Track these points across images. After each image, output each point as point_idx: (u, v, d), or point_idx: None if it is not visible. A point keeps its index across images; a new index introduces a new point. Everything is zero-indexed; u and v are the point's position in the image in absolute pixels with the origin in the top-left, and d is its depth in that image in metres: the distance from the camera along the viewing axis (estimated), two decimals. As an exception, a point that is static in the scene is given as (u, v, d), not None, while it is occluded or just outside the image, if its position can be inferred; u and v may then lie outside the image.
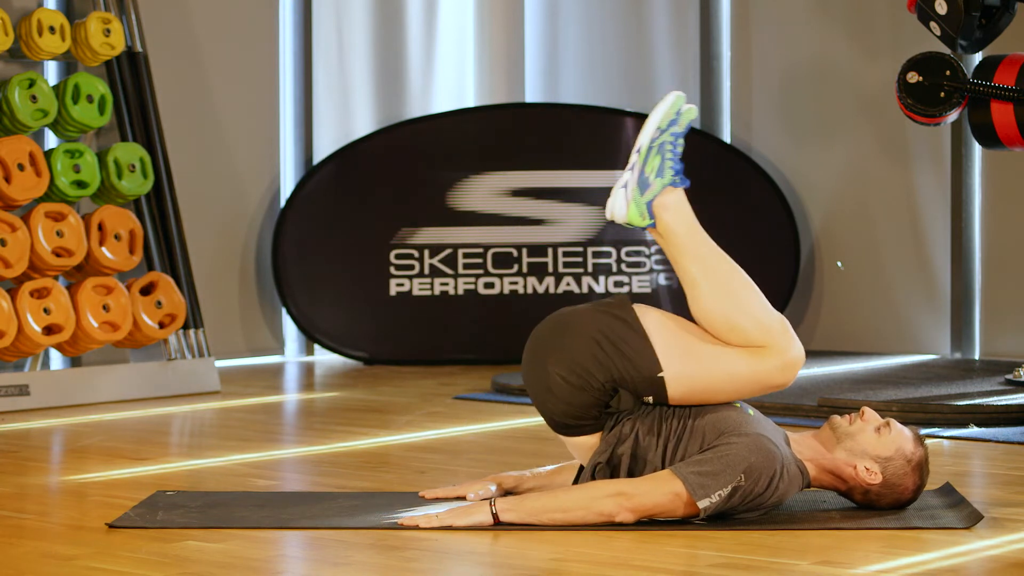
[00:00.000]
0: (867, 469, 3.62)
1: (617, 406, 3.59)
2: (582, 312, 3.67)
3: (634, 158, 3.68)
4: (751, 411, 3.65)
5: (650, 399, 3.61)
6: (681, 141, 3.72)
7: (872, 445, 3.62)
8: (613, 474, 3.61)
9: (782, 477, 3.54)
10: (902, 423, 3.71)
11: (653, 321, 3.65)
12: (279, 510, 3.73)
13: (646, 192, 3.67)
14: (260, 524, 3.59)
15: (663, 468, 3.59)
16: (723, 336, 3.63)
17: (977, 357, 7.08)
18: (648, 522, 3.53)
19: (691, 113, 3.72)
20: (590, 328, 3.62)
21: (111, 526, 3.56)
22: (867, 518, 3.60)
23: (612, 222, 7.43)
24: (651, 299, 7.45)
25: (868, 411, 3.68)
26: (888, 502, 3.65)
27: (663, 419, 3.63)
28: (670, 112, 3.68)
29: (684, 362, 3.60)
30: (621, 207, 3.67)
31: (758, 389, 3.64)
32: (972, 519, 3.56)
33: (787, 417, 5.33)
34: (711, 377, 3.61)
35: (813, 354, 7.19)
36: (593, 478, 3.62)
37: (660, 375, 3.59)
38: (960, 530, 3.49)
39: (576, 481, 3.73)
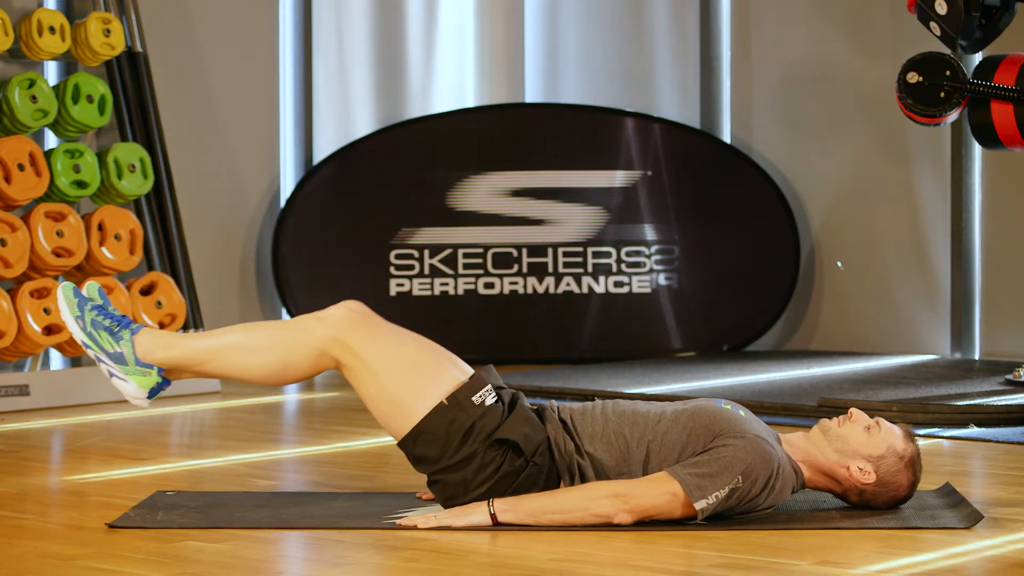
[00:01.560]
0: (860, 469, 3.62)
1: (513, 440, 3.57)
2: (440, 483, 3.62)
3: (91, 354, 3.69)
4: (742, 411, 3.65)
5: (482, 395, 3.58)
6: (106, 306, 3.72)
7: (863, 445, 3.63)
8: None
9: (778, 478, 3.55)
10: (902, 423, 3.71)
11: (393, 426, 3.63)
12: (279, 510, 3.73)
13: (127, 360, 3.68)
14: (260, 524, 3.59)
15: (653, 467, 3.59)
16: (293, 374, 3.66)
17: (977, 357, 7.08)
18: (647, 522, 3.53)
19: (89, 288, 3.74)
20: (450, 477, 3.59)
21: (111, 526, 3.56)
22: (866, 518, 3.60)
23: (610, 222, 7.48)
24: (651, 300, 7.45)
25: (856, 411, 3.68)
26: (884, 500, 3.66)
27: (616, 423, 3.63)
28: (69, 305, 3.70)
29: (409, 386, 3.60)
30: (131, 389, 3.69)
31: (372, 328, 3.65)
32: (972, 519, 3.56)
33: (787, 417, 5.33)
34: (406, 364, 3.62)
35: (813, 354, 7.20)
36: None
37: (443, 401, 3.58)
38: (960, 530, 3.49)
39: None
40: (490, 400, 3.61)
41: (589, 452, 3.61)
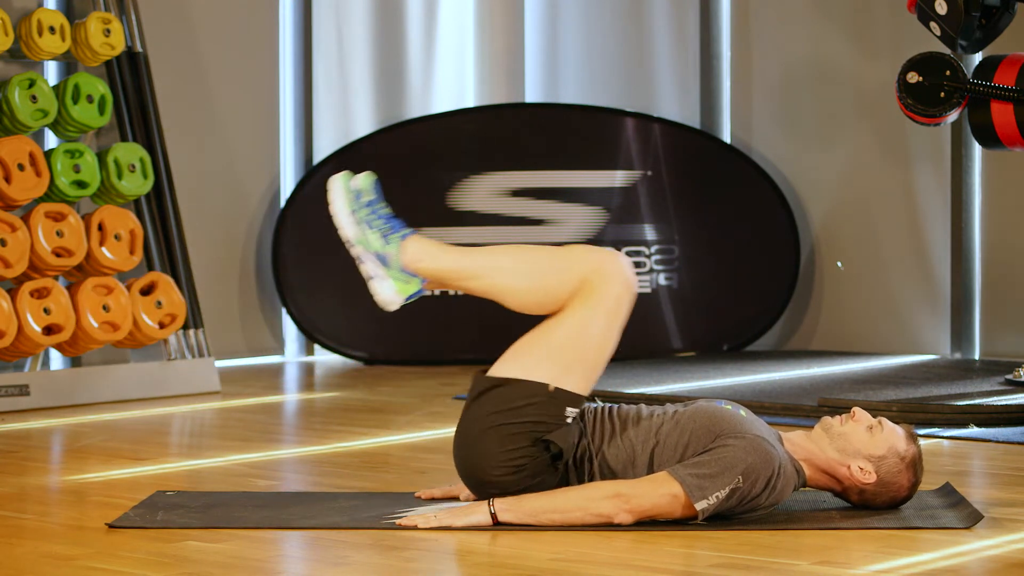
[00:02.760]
0: (861, 468, 3.62)
1: (559, 448, 3.57)
2: (465, 418, 3.62)
3: (356, 251, 3.66)
4: (743, 411, 3.65)
5: (571, 410, 3.59)
6: (378, 202, 3.70)
7: (865, 444, 3.63)
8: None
9: (779, 477, 3.54)
10: (902, 423, 3.71)
11: (506, 364, 3.62)
12: (279, 510, 3.73)
13: (391, 264, 3.65)
14: (260, 524, 3.59)
15: (656, 469, 3.59)
16: (555, 305, 3.62)
17: (977, 357, 7.08)
18: (647, 522, 3.53)
19: (367, 179, 3.70)
20: (480, 423, 3.59)
21: (111, 526, 3.56)
22: (866, 518, 3.60)
23: (610, 222, 7.48)
24: (651, 300, 7.45)
25: (859, 411, 3.68)
26: (884, 501, 3.66)
27: (626, 427, 3.62)
28: (345, 196, 3.67)
29: (553, 359, 3.59)
30: (389, 293, 3.65)
31: (617, 311, 3.61)
32: (972, 519, 3.56)
33: (787, 417, 5.33)
34: (582, 344, 3.59)
35: (813, 354, 7.20)
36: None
37: (551, 387, 3.57)
38: (960, 530, 3.50)
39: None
40: (569, 419, 3.59)
41: (601, 454, 3.61)
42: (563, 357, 3.58)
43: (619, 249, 7.45)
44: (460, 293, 7.41)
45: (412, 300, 3.66)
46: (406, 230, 3.67)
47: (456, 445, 3.65)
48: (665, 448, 3.59)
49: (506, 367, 3.61)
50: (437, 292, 7.40)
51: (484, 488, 3.60)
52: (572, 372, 3.58)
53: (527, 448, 3.55)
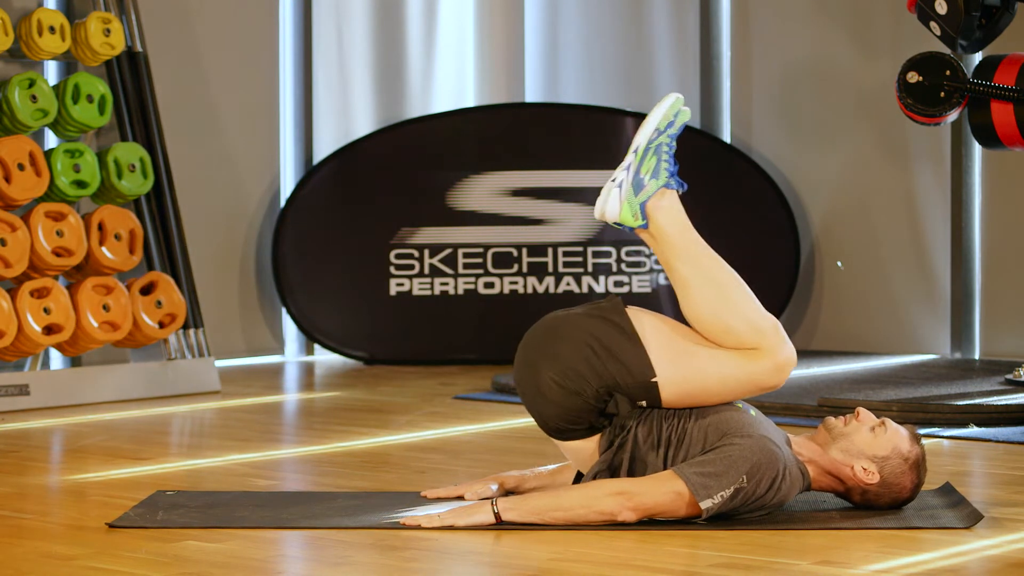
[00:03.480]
0: (864, 469, 3.62)
1: (614, 411, 3.59)
2: (575, 316, 3.66)
3: (630, 158, 3.66)
4: (753, 411, 3.65)
5: (643, 403, 3.60)
6: (675, 138, 3.70)
7: (868, 445, 3.62)
8: (614, 476, 3.61)
9: (784, 478, 3.54)
10: (902, 423, 3.71)
11: (646, 324, 3.64)
12: (279, 510, 3.73)
13: (640, 193, 3.66)
14: (260, 524, 3.59)
15: (664, 469, 3.59)
16: (715, 338, 3.63)
17: (977, 357, 7.08)
18: (648, 522, 3.53)
19: (687, 115, 3.71)
20: (583, 333, 3.61)
21: (111, 526, 3.56)
22: (867, 518, 3.60)
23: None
24: (651, 300, 7.45)
25: (863, 411, 3.68)
26: (886, 502, 3.65)
27: (661, 422, 3.62)
28: (669, 114, 3.67)
29: (677, 366, 3.60)
30: (614, 206, 3.65)
31: (751, 390, 3.64)
32: (972, 519, 3.56)
33: (787, 417, 5.33)
34: (704, 380, 3.61)
35: (813, 354, 7.20)
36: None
37: (654, 380, 3.58)
38: (960, 530, 3.49)
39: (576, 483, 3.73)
40: (640, 408, 3.61)
41: (635, 432, 3.60)
42: (686, 374, 3.60)
43: (619, 249, 7.46)
44: (460, 293, 7.42)
45: (619, 228, 3.68)
46: (677, 181, 3.67)
47: (541, 326, 3.67)
48: (683, 443, 3.58)
49: (645, 327, 3.62)
50: (437, 292, 7.40)
51: (528, 376, 3.61)
52: (677, 388, 3.59)
53: (591, 388, 3.56)
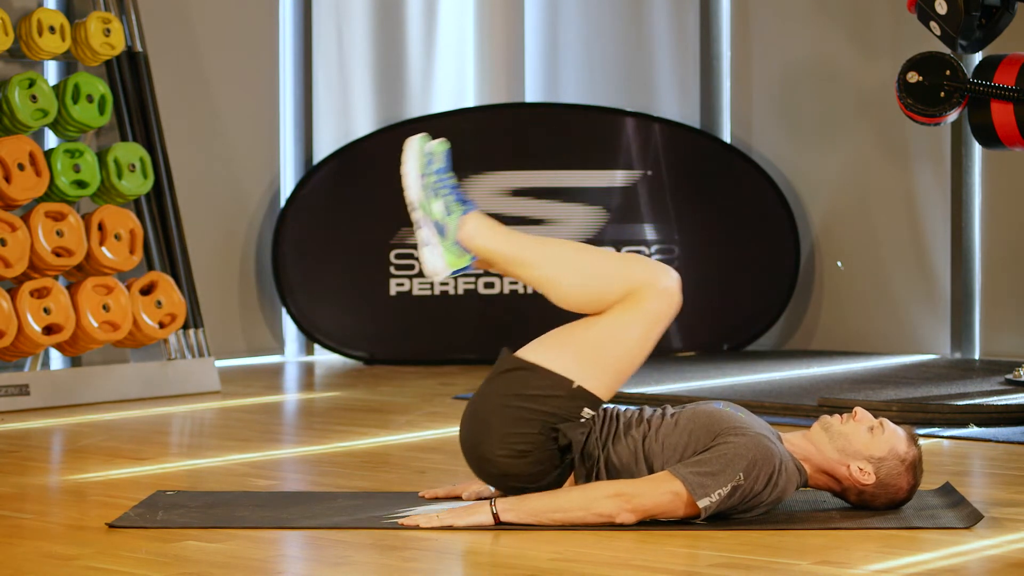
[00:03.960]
0: (860, 469, 3.62)
1: (565, 441, 3.57)
2: (482, 390, 3.66)
3: (418, 215, 3.66)
4: (742, 413, 3.65)
5: (587, 411, 3.59)
6: (447, 173, 3.69)
7: (865, 445, 3.62)
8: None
9: (781, 474, 3.54)
10: (902, 423, 3.71)
11: (537, 350, 3.63)
12: (279, 510, 3.73)
13: (448, 235, 3.66)
14: (260, 524, 3.59)
15: (657, 469, 3.59)
16: (597, 307, 3.63)
17: (977, 357, 7.08)
18: (648, 522, 3.53)
19: (441, 145, 3.69)
20: (496, 398, 3.61)
21: (111, 526, 3.56)
22: (867, 518, 3.60)
23: (610, 222, 7.47)
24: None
25: (860, 411, 3.68)
26: (883, 502, 3.65)
27: (632, 433, 3.62)
28: (419, 158, 3.66)
29: (584, 359, 3.60)
30: (438, 262, 3.66)
31: (656, 327, 3.62)
32: (972, 519, 3.56)
33: (787, 417, 5.33)
34: (615, 349, 3.60)
35: (813, 354, 7.20)
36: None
37: (575, 386, 3.58)
38: (960, 530, 3.49)
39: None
40: (584, 419, 3.60)
41: (607, 452, 3.61)
42: (594, 358, 3.59)
43: (619, 249, 7.45)
44: (460, 293, 7.42)
45: (458, 274, 3.67)
46: (469, 205, 3.67)
47: (465, 416, 3.66)
48: (665, 448, 3.59)
49: (536, 353, 3.62)
50: (437, 292, 7.40)
51: (484, 466, 3.61)
52: (598, 375, 3.59)
53: (535, 435, 3.56)
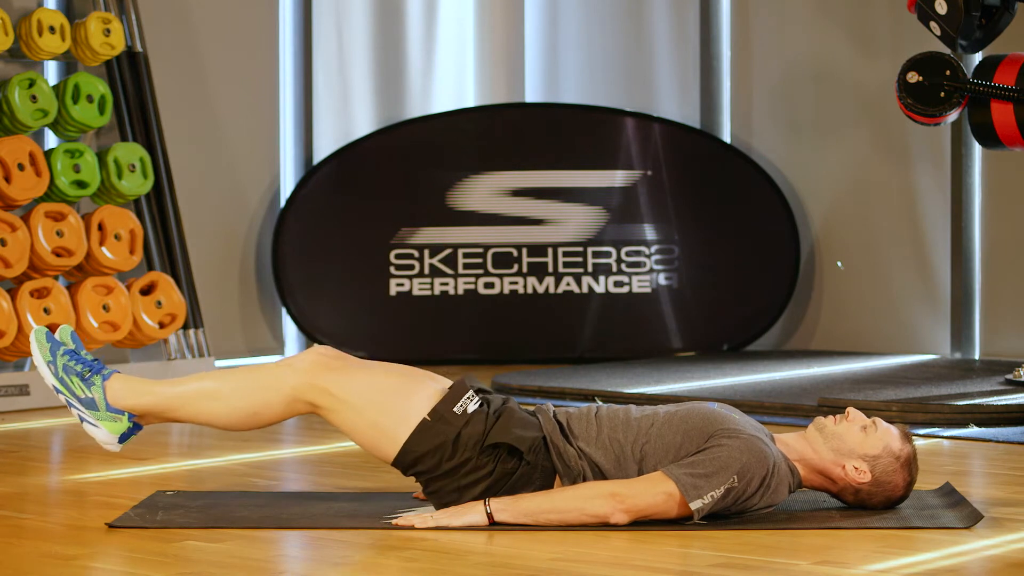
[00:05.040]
0: (855, 468, 3.62)
1: (507, 443, 3.58)
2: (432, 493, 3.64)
3: (62, 398, 3.67)
4: (736, 414, 3.65)
5: (464, 403, 3.57)
6: (77, 351, 3.69)
7: (859, 444, 3.63)
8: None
9: (773, 477, 3.55)
10: (899, 423, 3.72)
11: (387, 450, 3.59)
12: (279, 510, 3.73)
13: (98, 406, 3.67)
14: (260, 524, 3.59)
15: (649, 469, 3.59)
16: (263, 417, 3.64)
17: (977, 357, 7.08)
18: (646, 521, 3.53)
19: (62, 332, 3.71)
20: (443, 486, 3.59)
21: (111, 526, 3.56)
22: (866, 518, 3.60)
23: (610, 222, 7.47)
24: (651, 299, 7.45)
25: (853, 411, 3.68)
26: (879, 500, 3.66)
27: (614, 428, 3.63)
28: (43, 350, 3.67)
29: (391, 413, 3.57)
30: (101, 434, 3.67)
31: (331, 372, 3.61)
32: (972, 519, 3.56)
33: (787, 417, 5.33)
34: (380, 389, 3.59)
35: (813, 354, 7.20)
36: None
37: (425, 417, 3.56)
38: (960, 530, 3.50)
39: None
40: (473, 407, 3.59)
41: (587, 454, 3.61)
42: (389, 405, 3.57)
43: (619, 249, 7.46)
44: (460, 293, 7.42)
45: (130, 438, 3.68)
46: (107, 370, 3.68)
47: None
48: (657, 448, 3.59)
49: (389, 452, 3.58)
50: (437, 292, 7.40)
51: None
52: (410, 398, 3.58)
53: (476, 459, 3.55)
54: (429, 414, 3.57)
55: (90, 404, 3.67)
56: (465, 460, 3.56)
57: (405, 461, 3.57)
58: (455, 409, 3.58)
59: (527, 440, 3.58)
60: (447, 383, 3.65)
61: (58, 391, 3.68)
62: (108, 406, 3.66)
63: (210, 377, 3.70)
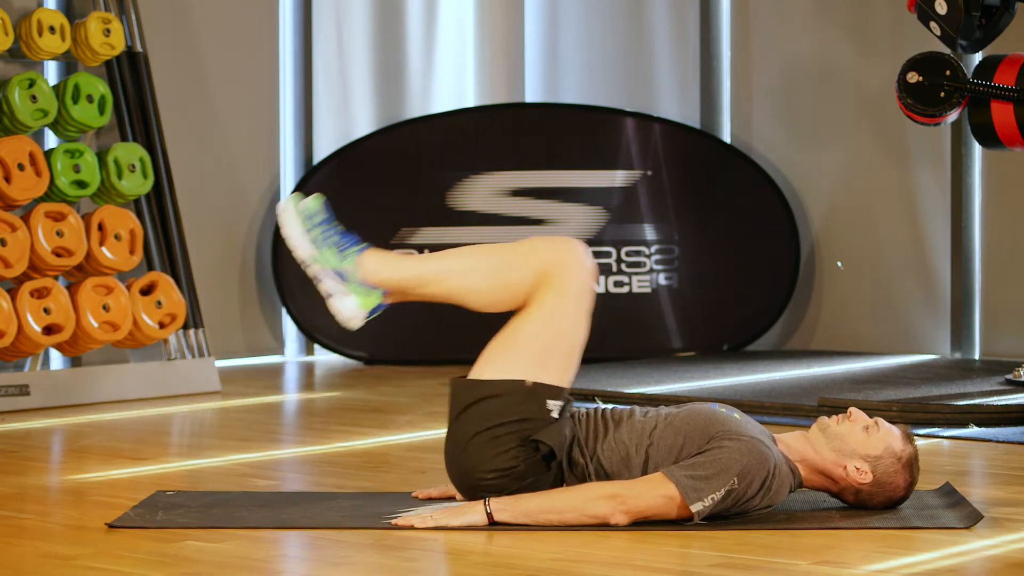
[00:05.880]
0: (857, 468, 3.62)
1: (545, 449, 3.57)
2: (452, 435, 3.62)
3: (314, 270, 3.66)
4: (737, 414, 3.65)
5: (552, 403, 3.59)
6: (330, 221, 3.69)
7: (861, 444, 3.63)
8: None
9: (774, 479, 3.55)
10: (902, 423, 3.72)
11: (480, 367, 3.63)
12: (279, 510, 3.74)
13: (350, 280, 3.65)
14: (260, 524, 3.59)
15: (651, 470, 3.59)
16: (517, 301, 3.64)
17: (977, 357, 7.08)
18: (646, 522, 3.53)
19: (316, 201, 3.69)
20: (465, 439, 3.59)
21: (111, 526, 3.56)
22: (866, 518, 3.60)
23: (610, 222, 7.47)
24: (651, 299, 7.45)
25: (855, 411, 3.68)
26: (880, 501, 3.66)
27: (619, 427, 3.62)
28: (298, 219, 3.67)
29: (526, 356, 3.60)
30: (351, 308, 3.65)
31: (581, 299, 3.62)
32: (972, 519, 3.56)
33: (787, 417, 5.33)
34: (552, 337, 3.60)
35: (813, 354, 7.20)
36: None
37: (529, 383, 3.57)
38: (960, 530, 3.50)
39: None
40: (555, 413, 3.59)
41: (596, 455, 3.61)
42: (535, 352, 3.60)
43: (619, 249, 7.46)
44: (460, 293, 7.42)
45: (375, 315, 3.66)
46: (361, 244, 3.67)
47: (447, 456, 3.65)
48: (659, 449, 3.59)
49: (481, 370, 3.63)
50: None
51: (478, 493, 3.60)
52: (546, 365, 3.59)
53: (516, 449, 3.56)
54: (533, 383, 3.56)
55: (343, 276, 3.64)
56: (505, 440, 3.54)
57: (479, 388, 3.57)
58: (548, 403, 3.57)
59: (563, 449, 3.58)
60: (569, 379, 3.61)
61: (311, 261, 3.64)
62: (362, 280, 3.64)
63: (465, 253, 3.68)
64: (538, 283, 3.62)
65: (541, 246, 3.65)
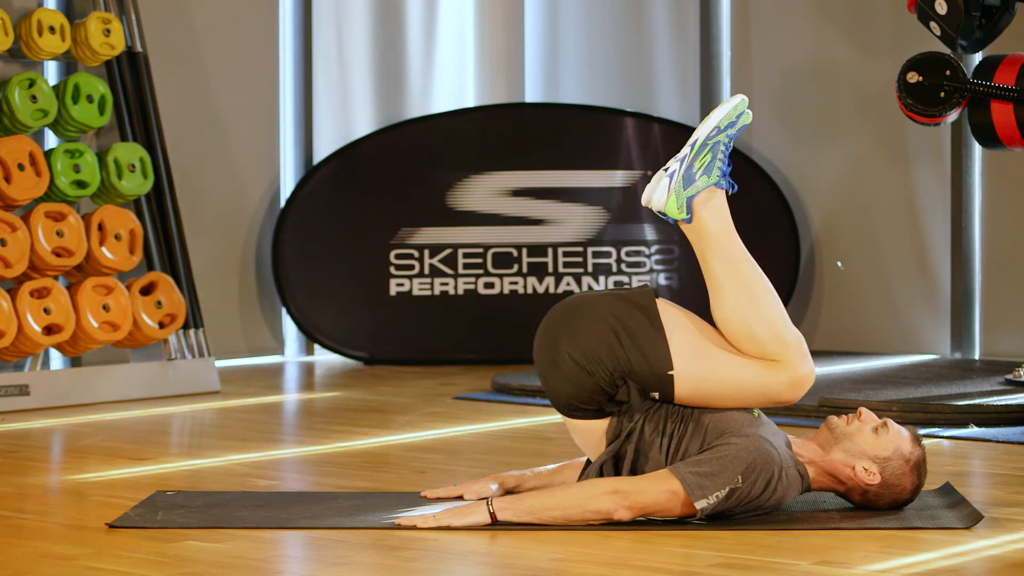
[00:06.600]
0: (865, 469, 3.62)
1: (624, 398, 3.59)
2: (603, 296, 3.68)
3: (686, 151, 3.68)
4: (755, 412, 3.65)
5: (656, 395, 3.61)
6: (731, 143, 3.71)
7: (870, 445, 3.62)
8: (617, 469, 3.62)
9: (780, 479, 3.54)
10: (902, 423, 3.72)
11: (672, 317, 3.66)
12: (279, 510, 3.74)
13: (690, 187, 3.68)
14: (260, 524, 3.59)
15: (665, 465, 3.59)
16: (739, 343, 3.64)
17: (977, 357, 7.08)
18: (647, 521, 3.53)
19: (748, 118, 3.72)
20: (608, 314, 3.62)
21: (111, 526, 3.56)
22: (867, 518, 3.60)
23: (610, 222, 7.47)
24: (651, 299, 7.45)
25: (865, 411, 3.68)
26: (886, 502, 3.66)
27: (668, 417, 3.63)
28: (732, 114, 3.69)
29: (696, 363, 3.61)
30: (662, 195, 3.68)
31: (763, 401, 3.64)
32: (972, 519, 3.56)
33: (787, 417, 5.33)
34: (720, 382, 3.61)
35: (813, 354, 7.17)
36: (600, 475, 3.62)
37: (670, 373, 3.58)
38: (960, 530, 3.50)
39: (582, 476, 3.73)
40: (651, 400, 3.61)
41: (642, 429, 3.61)
42: (704, 374, 3.61)
43: (619, 249, 7.46)
44: (460, 293, 7.42)
45: (662, 217, 3.70)
46: (728, 181, 3.68)
47: (557, 312, 3.66)
48: (682, 444, 3.59)
49: (669, 319, 3.63)
50: (437, 292, 7.40)
51: (548, 368, 3.60)
52: (692, 387, 3.60)
53: (608, 371, 3.56)
54: (668, 375, 3.58)
55: (690, 180, 3.66)
56: (620, 362, 3.57)
57: (654, 329, 3.59)
58: (655, 394, 3.60)
59: (631, 410, 3.61)
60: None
61: (690, 144, 3.65)
62: (691, 199, 3.66)
63: (760, 283, 3.69)
64: (770, 358, 3.63)
65: (795, 343, 3.65)
